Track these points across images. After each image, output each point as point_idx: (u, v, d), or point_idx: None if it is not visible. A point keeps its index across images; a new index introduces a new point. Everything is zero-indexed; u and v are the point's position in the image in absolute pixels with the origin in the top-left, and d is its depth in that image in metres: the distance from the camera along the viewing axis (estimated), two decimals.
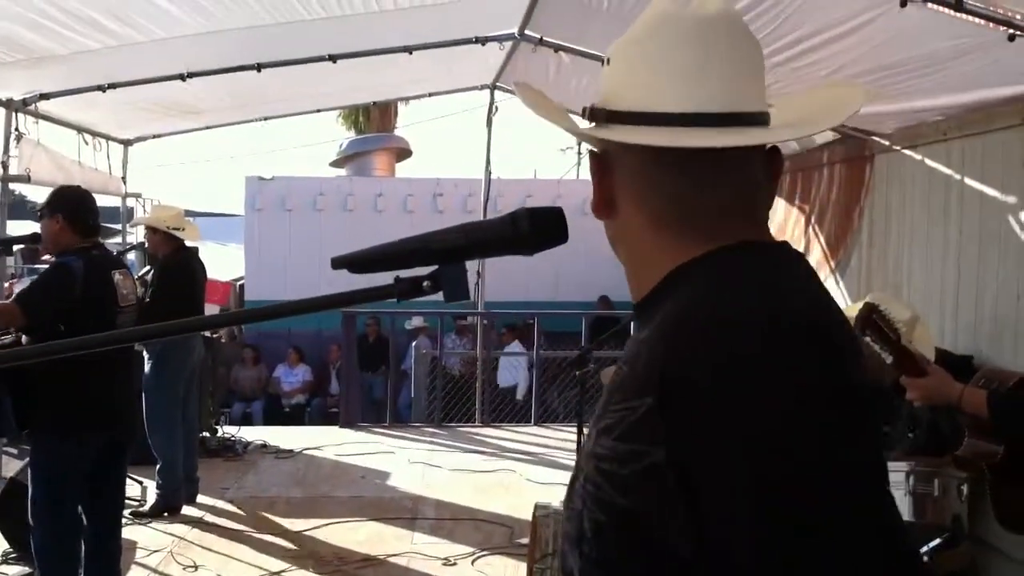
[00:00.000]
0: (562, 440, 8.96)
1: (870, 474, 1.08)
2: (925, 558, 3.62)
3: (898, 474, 3.61)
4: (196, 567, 5.79)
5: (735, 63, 1.14)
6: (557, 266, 15.60)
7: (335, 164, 19.11)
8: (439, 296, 1.21)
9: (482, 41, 6.96)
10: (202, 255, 7.62)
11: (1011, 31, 4.11)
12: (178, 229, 6.90)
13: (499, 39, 7.09)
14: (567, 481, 1.23)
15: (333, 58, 6.76)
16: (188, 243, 7.10)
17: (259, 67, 6.79)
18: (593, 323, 12.38)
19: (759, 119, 1.15)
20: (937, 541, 3.61)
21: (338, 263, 1.21)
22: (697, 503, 0.97)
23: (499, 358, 12.98)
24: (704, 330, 1.05)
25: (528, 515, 4.96)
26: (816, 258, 7.66)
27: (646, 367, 1.05)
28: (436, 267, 1.19)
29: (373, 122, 24.73)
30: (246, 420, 12.30)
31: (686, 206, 1.16)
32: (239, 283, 16.02)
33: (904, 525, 1.22)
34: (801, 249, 7.91)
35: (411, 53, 6.88)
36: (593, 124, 1.19)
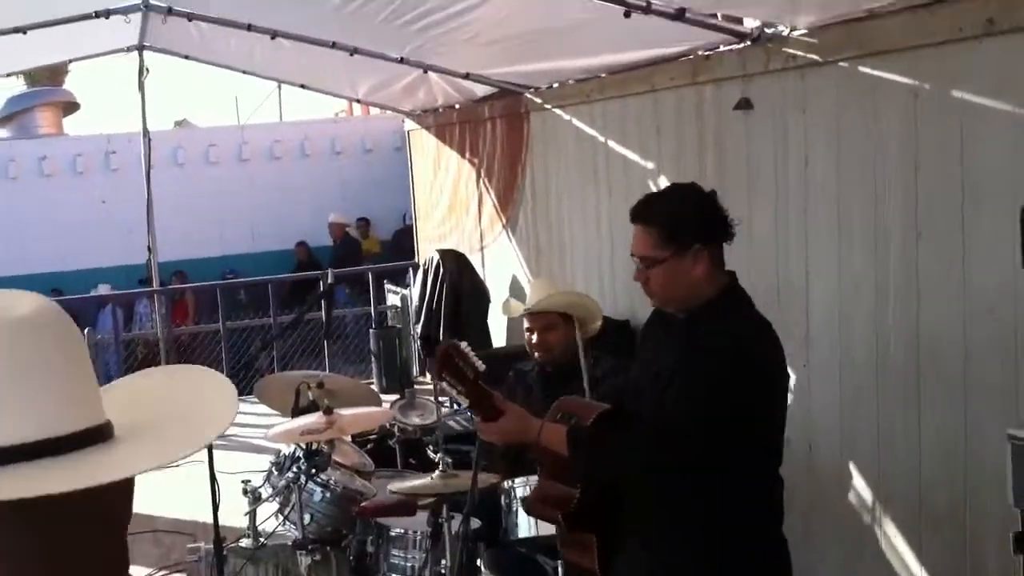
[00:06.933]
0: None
1: None
2: None
3: None
4: None
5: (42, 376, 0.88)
6: (252, 215, 15.02)
7: None
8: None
9: (104, 15, 6.28)
10: None
11: (626, 9, 4.20)
12: None
13: (123, 11, 6.41)
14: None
15: None
16: None
17: None
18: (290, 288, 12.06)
19: (82, 440, 0.90)
20: None
21: None
22: None
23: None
24: None
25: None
26: (489, 213, 7.59)
27: None
28: None
29: (42, 73, 22.60)
30: None
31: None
32: None
33: None
34: (475, 204, 7.83)
35: (25, 33, 6.12)
36: None
